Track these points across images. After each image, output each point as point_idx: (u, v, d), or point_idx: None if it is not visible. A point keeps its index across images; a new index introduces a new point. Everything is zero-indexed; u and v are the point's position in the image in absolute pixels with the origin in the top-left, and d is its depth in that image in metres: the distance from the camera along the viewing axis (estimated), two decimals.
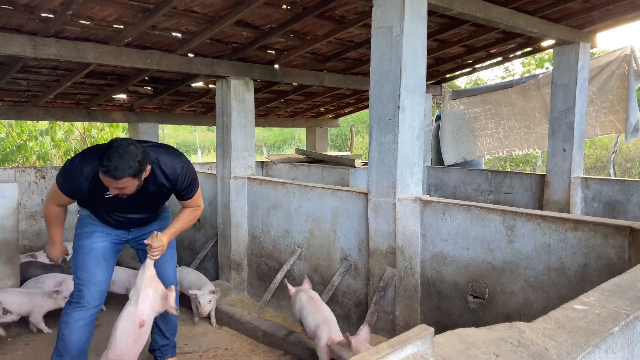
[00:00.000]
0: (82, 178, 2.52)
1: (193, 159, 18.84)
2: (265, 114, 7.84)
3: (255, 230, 4.67)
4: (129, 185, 2.44)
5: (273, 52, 4.89)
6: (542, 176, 5.44)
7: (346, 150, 15.19)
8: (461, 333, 1.04)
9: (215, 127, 5.01)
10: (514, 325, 1.08)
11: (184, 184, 2.74)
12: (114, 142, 2.39)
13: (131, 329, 2.48)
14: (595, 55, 6.05)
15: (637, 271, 1.55)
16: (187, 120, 7.33)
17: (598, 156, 13.37)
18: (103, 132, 11.05)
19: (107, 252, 2.82)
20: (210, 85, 5.79)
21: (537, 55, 13.75)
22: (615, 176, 10.13)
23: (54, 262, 2.90)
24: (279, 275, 4.19)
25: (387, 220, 3.22)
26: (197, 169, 5.49)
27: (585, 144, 5.33)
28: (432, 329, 0.82)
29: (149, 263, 2.74)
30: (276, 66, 5.06)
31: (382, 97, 3.21)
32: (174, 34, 4.05)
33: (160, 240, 2.69)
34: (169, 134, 22.30)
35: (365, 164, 6.66)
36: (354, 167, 6.54)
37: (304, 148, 8.84)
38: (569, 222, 2.49)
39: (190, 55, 4.46)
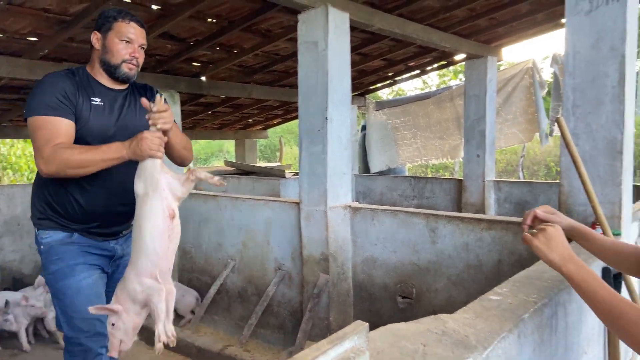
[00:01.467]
0: (62, 79, 1.91)
1: None
2: (192, 126, 7.73)
3: (185, 246, 4.59)
4: (144, 43, 1.99)
5: (199, 64, 4.87)
6: (460, 180, 5.81)
7: (276, 161, 15.23)
8: (393, 328, 1.14)
9: None
10: (438, 317, 1.20)
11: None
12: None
13: (162, 224, 1.77)
14: (501, 68, 6.56)
15: (544, 264, 1.75)
16: None
17: (508, 160, 14.39)
18: (13, 148, 10.34)
19: (98, 289, 2.05)
20: None
21: (452, 68, 14.60)
22: (524, 179, 10.97)
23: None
24: (212, 290, 4.15)
25: (320, 228, 3.31)
26: None
27: (496, 149, 5.77)
28: (367, 324, 0.91)
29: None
30: (203, 78, 5.05)
31: (310, 110, 3.32)
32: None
33: (166, 105, 1.81)
34: None
35: (296, 174, 6.76)
36: (285, 177, 6.62)
37: (233, 160, 8.79)
38: (484, 222, 2.72)
39: None
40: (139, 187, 1.76)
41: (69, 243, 1.98)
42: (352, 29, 3.46)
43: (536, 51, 27.52)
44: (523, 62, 6.09)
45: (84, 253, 1.99)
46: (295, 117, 8.78)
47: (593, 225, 2.15)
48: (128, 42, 1.93)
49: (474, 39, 5.12)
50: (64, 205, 1.97)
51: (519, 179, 10.01)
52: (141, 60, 2.00)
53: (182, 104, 5.84)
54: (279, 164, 9.31)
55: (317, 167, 3.29)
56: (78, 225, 1.99)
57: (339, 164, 3.33)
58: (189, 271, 4.55)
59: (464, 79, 5.79)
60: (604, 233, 2.02)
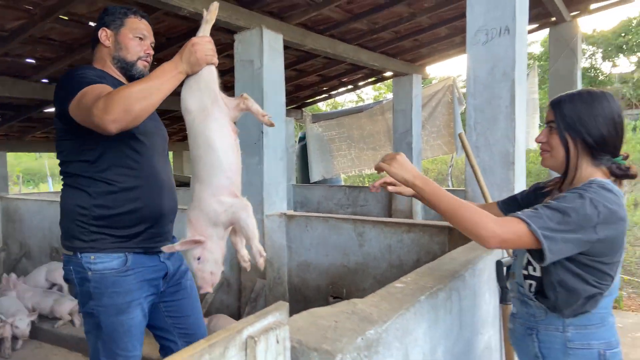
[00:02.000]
0: (93, 68, 1.82)
1: (43, 188, 17.21)
2: None
3: None
4: (153, 41, 1.93)
5: None
6: None
7: None
8: (312, 311, 1.36)
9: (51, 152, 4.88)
10: (350, 301, 1.44)
11: None
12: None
13: (231, 137, 1.60)
14: (427, 85, 7.06)
15: (444, 258, 2.05)
16: (39, 147, 6.90)
17: (439, 170, 15.18)
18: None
19: (142, 327, 1.88)
20: None
21: (387, 82, 15.26)
22: (452, 186, 11.67)
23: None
24: None
25: None
26: (50, 198, 5.25)
27: (428, 161, 6.21)
28: (287, 304, 1.13)
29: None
30: None
31: (246, 123, 3.52)
32: (28, 60, 3.93)
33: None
34: (10, 162, 20.09)
35: None
36: None
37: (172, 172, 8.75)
38: (404, 225, 3.02)
39: (45, 81, 4.33)
40: (192, 102, 1.55)
41: (125, 272, 1.74)
42: (288, 47, 3.71)
43: (460, 68, 29.25)
44: (445, 80, 6.61)
45: (140, 284, 1.78)
46: None
47: None
48: (141, 39, 1.84)
49: (400, 58, 5.53)
50: (116, 209, 1.72)
51: (449, 187, 10.66)
52: (150, 58, 1.89)
53: None
54: None
55: (254, 177, 3.49)
56: (133, 237, 1.77)
57: (274, 174, 3.54)
58: None
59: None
60: None
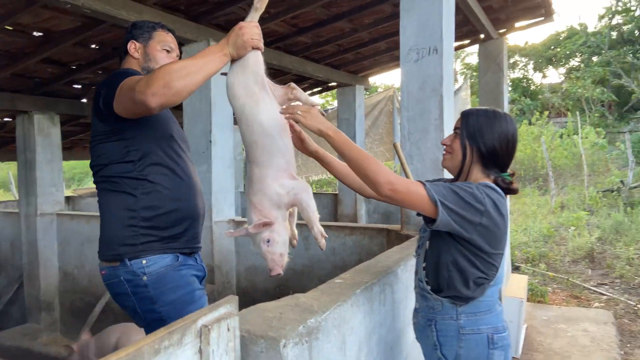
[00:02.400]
0: None
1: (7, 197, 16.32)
2: (70, 147, 7.49)
3: (67, 267, 4.56)
4: (179, 54, 1.99)
5: (80, 86, 4.90)
6: (336, 195, 6.42)
7: None
8: (259, 305, 1.51)
9: (11, 161, 4.78)
10: (294, 295, 1.60)
11: None
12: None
13: (282, 120, 1.59)
14: (370, 94, 7.37)
15: (380, 256, 2.25)
16: None
17: None
18: None
19: None
20: (6, 119, 5.43)
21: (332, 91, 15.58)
22: None
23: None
24: (97, 309, 4.20)
25: (205, 241, 3.60)
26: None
27: None
28: (237, 297, 1.28)
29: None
30: (84, 100, 5.06)
31: (195, 132, 3.62)
32: None
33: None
34: None
35: None
36: None
37: None
38: (347, 229, 3.23)
39: None
40: (239, 87, 1.53)
41: (179, 267, 1.73)
42: None
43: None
44: (386, 91, 6.93)
45: (193, 277, 1.77)
46: None
47: None
48: (168, 52, 1.88)
49: (344, 70, 5.78)
50: (161, 209, 1.70)
51: None
52: None
53: (62, 124, 5.74)
54: None
55: (203, 185, 3.56)
56: (178, 237, 1.76)
57: (222, 182, 3.66)
58: (72, 292, 4.53)
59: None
60: None
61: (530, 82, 27.08)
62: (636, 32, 23.35)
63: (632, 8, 23.76)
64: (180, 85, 1.43)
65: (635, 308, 5.11)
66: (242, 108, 1.53)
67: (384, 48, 5.29)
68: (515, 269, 5.64)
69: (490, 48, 5.15)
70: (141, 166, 1.68)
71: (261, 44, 1.54)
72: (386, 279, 1.92)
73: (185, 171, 1.80)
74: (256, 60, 1.54)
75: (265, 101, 1.54)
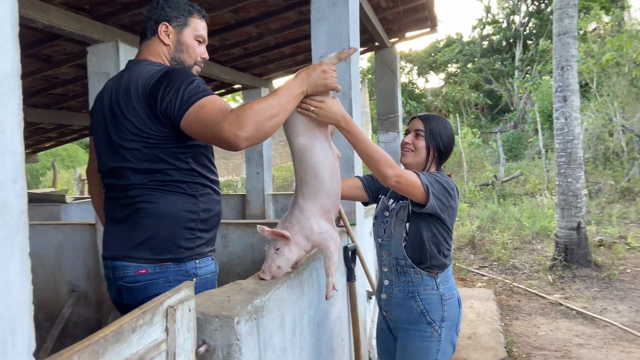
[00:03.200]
0: None
1: None
2: None
3: None
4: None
5: None
6: (244, 196, 6.52)
7: (49, 187, 13.79)
8: (206, 292, 1.64)
9: None
10: (235, 282, 1.75)
11: None
12: None
13: (334, 166, 1.64)
14: None
15: None
16: None
17: (285, 177, 15.94)
18: None
19: None
20: None
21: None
22: None
23: None
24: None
25: None
26: None
27: (275, 167, 6.67)
28: (193, 282, 1.40)
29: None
30: None
31: None
32: None
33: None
34: None
35: (78, 198, 6.55)
36: (65, 202, 6.35)
37: None
38: (265, 225, 3.39)
39: None
40: (301, 125, 1.58)
41: (215, 275, 1.84)
42: None
43: None
44: None
45: None
46: (72, 140, 8.37)
47: (338, 220, 2.98)
48: (200, 42, 1.74)
49: (249, 72, 5.92)
50: (212, 212, 1.72)
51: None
52: (207, 58, 1.81)
53: None
54: (53, 189, 8.68)
55: None
56: (214, 240, 1.80)
57: None
58: None
59: None
60: (345, 225, 2.85)
61: (415, 86, 29.10)
62: (503, 42, 26.15)
63: (500, 20, 26.56)
64: (269, 127, 1.42)
65: (511, 286, 5.87)
66: (299, 145, 1.60)
67: (288, 52, 5.51)
68: None
69: (384, 55, 5.61)
70: (195, 170, 1.65)
71: (339, 87, 1.59)
72: (313, 265, 2.12)
73: (217, 175, 1.80)
74: None
75: (320, 142, 1.62)
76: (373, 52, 5.88)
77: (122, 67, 3.57)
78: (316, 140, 1.61)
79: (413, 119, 2.07)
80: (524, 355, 3.88)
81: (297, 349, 1.88)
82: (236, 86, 6.60)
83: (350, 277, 2.71)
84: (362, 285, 3.06)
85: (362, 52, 5.90)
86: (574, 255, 6.16)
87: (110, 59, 3.47)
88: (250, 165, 6.32)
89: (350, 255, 2.68)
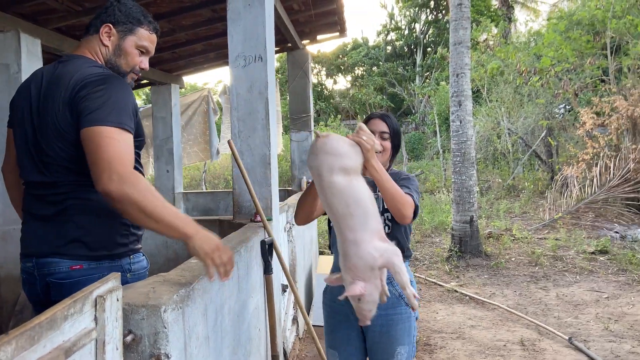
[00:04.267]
0: (127, 85, 1.65)
1: None
2: None
3: None
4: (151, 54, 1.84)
5: None
6: None
7: None
8: (129, 285, 1.66)
9: None
10: (158, 275, 1.78)
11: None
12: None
13: (369, 191, 1.75)
14: (184, 94, 7.42)
15: (222, 241, 2.51)
16: None
17: (192, 176, 15.60)
18: None
19: None
20: None
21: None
22: (206, 189, 12.24)
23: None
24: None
25: (17, 247, 3.34)
26: None
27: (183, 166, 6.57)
28: (119, 273, 1.43)
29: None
30: None
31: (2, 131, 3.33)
32: None
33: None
34: None
35: None
36: None
37: None
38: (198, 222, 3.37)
39: None
40: (345, 167, 1.69)
41: (146, 271, 1.97)
42: (46, 51, 3.62)
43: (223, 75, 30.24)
44: (201, 91, 7.09)
45: None
46: None
47: (255, 215, 3.07)
48: (143, 53, 1.72)
49: (159, 68, 5.78)
50: None
51: (203, 190, 11.16)
52: (146, 69, 1.80)
53: None
54: None
55: None
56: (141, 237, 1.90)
57: None
58: None
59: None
60: (262, 220, 2.94)
61: (323, 87, 29.74)
62: (405, 48, 27.61)
63: (402, 27, 27.98)
64: (133, 211, 1.43)
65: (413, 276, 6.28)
66: (339, 184, 1.67)
67: (200, 49, 5.48)
68: (321, 253, 6.40)
69: (297, 56, 5.76)
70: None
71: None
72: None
73: None
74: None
75: (359, 178, 1.72)
76: (284, 53, 6.01)
77: (25, 58, 3.39)
78: (358, 174, 1.73)
79: (373, 119, 2.10)
80: (424, 338, 4.22)
81: (218, 338, 1.95)
82: (144, 81, 6.41)
83: (267, 269, 2.81)
84: (278, 279, 3.17)
85: (276, 52, 6.01)
86: (467, 246, 6.76)
87: (11, 49, 3.27)
88: (159, 163, 6.17)
89: (268, 249, 2.79)
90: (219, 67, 6.43)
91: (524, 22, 22.07)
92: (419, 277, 6.20)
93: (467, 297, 5.34)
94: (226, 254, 1.58)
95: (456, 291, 5.55)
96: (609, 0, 10.62)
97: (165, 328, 1.44)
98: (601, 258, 6.61)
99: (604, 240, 7.07)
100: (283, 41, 5.42)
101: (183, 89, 7.08)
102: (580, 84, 11.50)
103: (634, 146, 8.74)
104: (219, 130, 7.17)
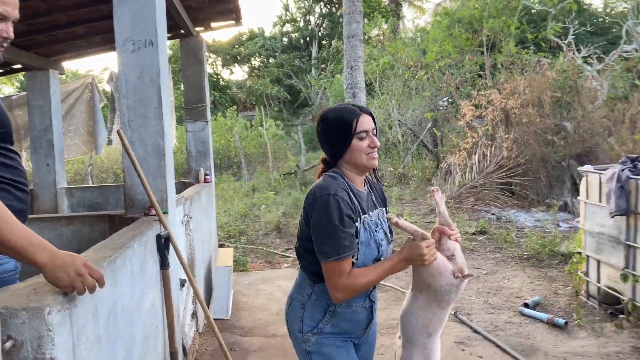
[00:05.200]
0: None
1: None
2: None
3: None
4: (17, 17, 1.60)
5: None
6: (31, 190, 5.78)
7: None
8: (5, 288, 1.51)
9: None
10: (40, 276, 1.64)
11: None
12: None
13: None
14: (65, 81, 6.82)
15: (113, 236, 2.37)
16: None
17: (77, 170, 14.46)
18: None
19: None
20: None
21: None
22: (93, 183, 11.43)
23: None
24: None
25: None
26: None
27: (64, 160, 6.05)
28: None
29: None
30: None
31: None
32: None
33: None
34: None
35: None
36: None
37: None
38: (63, 219, 3.13)
39: None
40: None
41: (16, 273, 1.80)
42: None
43: (109, 62, 28.16)
44: (84, 77, 6.57)
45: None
46: None
47: (149, 209, 2.93)
48: (1, 19, 1.46)
49: (35, 52, 5.25)
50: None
51: (90, 184, 10.41)
52: (11, 37, 1.54)
53: None
54: None
55: None
56: None
57: None
58: None
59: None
60: (157, 213, 2.81)
61: (219, 77, 29.08)
62: (301, 40, 27.87)
63: (297, 19, 28.20)
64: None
65: None
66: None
67: (82, 32, 5.06)
68: (220, 245, 6.30)
69: (190, 44, 5.56)
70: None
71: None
72: (126, 253, 2.09)
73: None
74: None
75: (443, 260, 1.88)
76: (177, 40, 5.78)
77: None
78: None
79: (363, 115, 1.88)
80: None
81: (111, 338, 1.85)
82: (17, 66, 5.79)
83: (164, 264, 2.71)
84: (175, 273, 3.07)
85: (168, 39, 5.75)
86: None
87: None
88: (37, 155, 5.63)
89: (164, 243, 2.68)
90: (106, 52, 5.99)
91: (412, 19, 23.34)
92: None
93: None
94: (94, 275, 1.42)
95: None
96: (485, 0, 11.60)
97: (50, 331, 1.34)
98: (480, 238, 7.26)
99: (482, 222, 7.77)
100: (175, 27, 5.19)
101: (63, 76, 6.51)
102: (461, 78, 12.47)
103: (507, 136, 9.67)
104: (106, 121, 6.70)
